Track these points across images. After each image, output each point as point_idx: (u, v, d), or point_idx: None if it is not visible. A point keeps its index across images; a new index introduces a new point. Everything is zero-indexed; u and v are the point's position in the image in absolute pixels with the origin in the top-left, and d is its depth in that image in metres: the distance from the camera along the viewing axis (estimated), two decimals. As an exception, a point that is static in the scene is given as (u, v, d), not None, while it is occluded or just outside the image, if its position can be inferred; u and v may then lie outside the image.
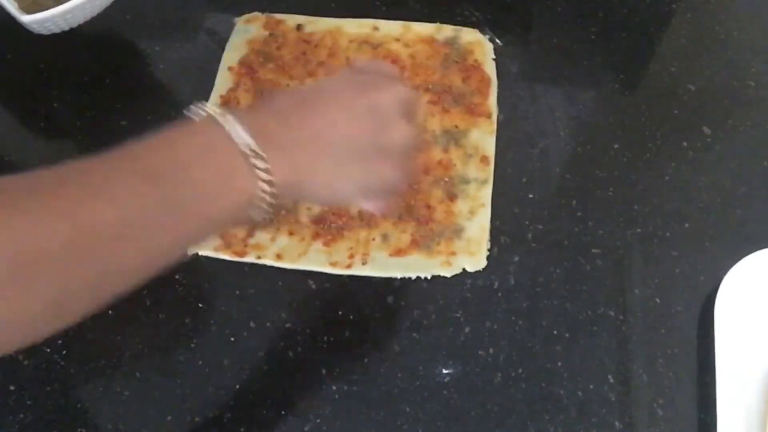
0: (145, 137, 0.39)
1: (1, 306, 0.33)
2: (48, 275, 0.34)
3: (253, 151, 0.39)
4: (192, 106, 0.41)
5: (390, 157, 0.45)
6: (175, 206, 0.38)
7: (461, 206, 0.62)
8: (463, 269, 0.59)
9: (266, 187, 0.40)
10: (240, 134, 0.39)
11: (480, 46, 0.70)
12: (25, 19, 0.64)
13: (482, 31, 0.71)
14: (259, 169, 0.39)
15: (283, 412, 0.54)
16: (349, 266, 0.59)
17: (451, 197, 0.62)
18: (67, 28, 0.68)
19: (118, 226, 0.35)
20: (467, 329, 0.57)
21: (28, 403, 0.54)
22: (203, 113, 0.41)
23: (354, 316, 0.58)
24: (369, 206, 0.49)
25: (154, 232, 0.37)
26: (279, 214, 0.61)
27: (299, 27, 0.71)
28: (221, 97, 0.67)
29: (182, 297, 0.58)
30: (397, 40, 0.71)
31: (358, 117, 0.44)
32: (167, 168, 0.38)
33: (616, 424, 0.54)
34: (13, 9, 0.65)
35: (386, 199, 0.49)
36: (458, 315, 0.58)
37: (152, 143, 0.38)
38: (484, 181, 0.63)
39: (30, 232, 0.33)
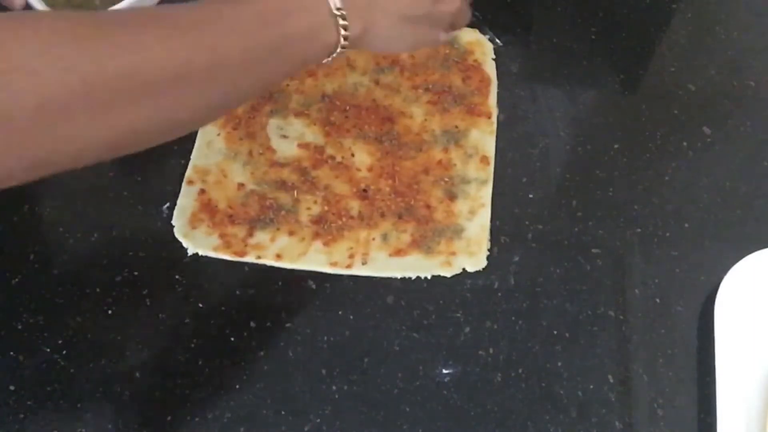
0: None
1: (156, 111, 0.41)
2: (191, 88, 0.42)
3: (339, 9, 0.47)
4: None
5: (437, 23, 0.55)
6: (280, 48, 0.46)
7: (461, 206, 0.62)
8: (463, 269, 0.59)
9: (343, 41, 0.49)
10: None
11: (480, 46, 0.70)
12: None
13: (482, 31, 0.71)
14: (340, 26, 0.48)
15: (283, 412, 0.54)
16: (349, 266, 0.59)
17: (451, 197, 0.62)
18: None
19: (241, 59, 0.43)
20: (467, 329, 0.57)
21: (28, 403, 0.54)
22: None
23: (354, 316, 0.58)
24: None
25: (264, 66, 0.45)
26: (279, 214, 0.61)
27: (299, 27, 0.71)
28: (221, 97, 0.67)
29: (182, 297, 0.58)
30: (397, 40, 0.71)
31: None
32: (275, 15, 0.45)
33: (616, 424, 0.54)
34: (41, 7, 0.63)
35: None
36: (458, 315, 0.58)
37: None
38: (484, 181, 0.63)
39: (175, 51, 0.40)
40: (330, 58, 0.50)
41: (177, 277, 0.59)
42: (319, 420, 0.54)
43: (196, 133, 0.65)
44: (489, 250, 0.60)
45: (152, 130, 0.42)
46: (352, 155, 0.64)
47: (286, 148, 0.65)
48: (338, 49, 0.49)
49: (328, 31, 0.48)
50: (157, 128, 0.42)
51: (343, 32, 0.48)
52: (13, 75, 0.35)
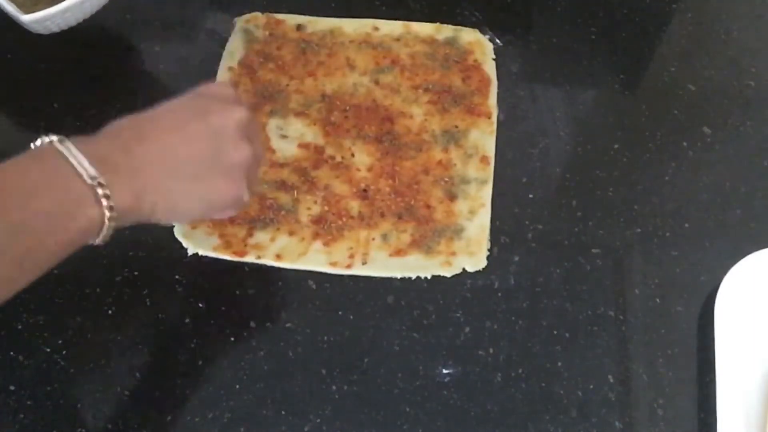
0: None
1: None
2: None
3: (94, 179, 0.41)
4: (39, 139, 0.43)
5: (230, 175, 0.47)
6: (21, 235, 0.39)
7: (461, 206, 0.62)
8: (463, 269, 0.59)
9: (109, 213, 0.42)
10: (81, 163, 0.41)
11: (480, 46, 0.70)
12: (25, 18, 0.64)
13: (482, 31, 0.71)
14: (102, 197, 0.41)
15: (283, 412, 0.54)
16: (349, 266, 0.59)
17: (451, 197, 0.62)
18: (66, 27, 0.68)
19: None
20: (467, 329, 0.57)
21: (28, 403, 0.54)
22: (45, 141, 0.42)
23: (354, 316, 0.58)
24: (217, 217, 0.51)
25: (3, 259, 0.38)
26: (279, 214, 0.61)
27: (299, 27, 0.71)
28: (221, 97, 0.67)
29: (182, 297, 0.58)
30: (397, 40, 0.71)
31: (195, 139, 0.46)
32: (12, 198, 0.39)
33: (616, 424, 0.54)
34: (11, 9, 0.65)
35: (233, 212, 0.52)
36: (458, 315, 0.58)
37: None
38: (484, 181, 0.63)
39: None
40: (102, 236, 0.43)
41: (177, 277, 0.59)
42: (319, 420, 0.54)
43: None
44: (489, 250, 0.60)
45: None
46: (352, 155, 0.64)
47: (286, 148, 0.65)
48: (107, 223, 0.42)
49: (87, 206, 0.41)
50: None
51: (105, 203, 0.41)
52: None
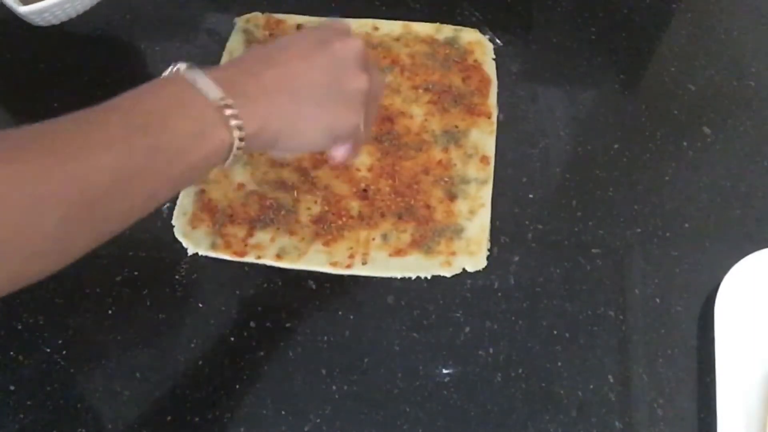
0: (125, 93, 0.42)
1: (11, 238, 0.35)
2: (51, 216, 0.36)
3: (224, 101, 0.42)
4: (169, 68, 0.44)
5: (350, 103, 0.48)
6: (161, 153, 0.40)
7: (461, 206, 0.62)
8: (463, 269, 0.59)
9: (239, 133, 0.43)
10: (209, 86, 0.42)
11: (480, 46, 0.70)
12: (23, 10, 0.62)
13: (482, 31, 0.71)
14: (230, 118, 0.42)
15: (283, 412, 0.54)
16: (349, 266, 0.59)
17: (451, 197, 0.62)
18: (66, 19, 0.66)
19: (113, 171, 0.38)
20: (467, 329, 0.57)
21: (28, 403, 0.54)
22: (174, 69, 0.44)
23: (354, 316, 0.58)
24: (336, 154, 0.52)
25: (143, 176, 0.40)
26: (279, 214, 0.61)
27: (299, 27, 0.71)
28: (221, 97, 0.67)
29: (182, 297, 0.58)
30: (397, 40, 0.71)
31: (318, 67, 0.47)
32: (150, 119, 0.40)
33: (616, 424, 0.54)
34: (10, 0, 0.64)
35: (351, 145, 0.52)
36: (458, 315, 0.58)
37: (134, 97, 0.41)
38: (484, 181, 0.63)
39: (37, 177, 0.36)
40: (229, 160, 0.44)
41: (177, 277, 0.59)
42: (319, 420, 0.54)
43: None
44: (489, 250, 0.60)
45: (52, 248, 0.38)
46: (352, 155, 0.64)
47: (286, 148, 0.64)
48: (236, 143, 0.43)
49: (217, 128, 0.42)
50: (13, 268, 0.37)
51: (234, 123, 0.42)
52: None
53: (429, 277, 0.59)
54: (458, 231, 0.61)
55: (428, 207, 0.62)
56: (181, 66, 0.44)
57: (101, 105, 0.40)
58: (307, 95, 0.46)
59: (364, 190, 0.62)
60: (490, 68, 0.69)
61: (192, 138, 0.41)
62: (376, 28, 0.71)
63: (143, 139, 0.39)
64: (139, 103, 0.41)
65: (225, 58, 0.69)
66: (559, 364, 0.56)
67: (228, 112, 0.42)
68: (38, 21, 0.65)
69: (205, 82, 0.42)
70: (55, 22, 0.66)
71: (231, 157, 0.43)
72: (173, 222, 0.61)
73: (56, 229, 0.37)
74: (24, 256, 0.37)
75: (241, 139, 0.43)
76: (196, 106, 0.42)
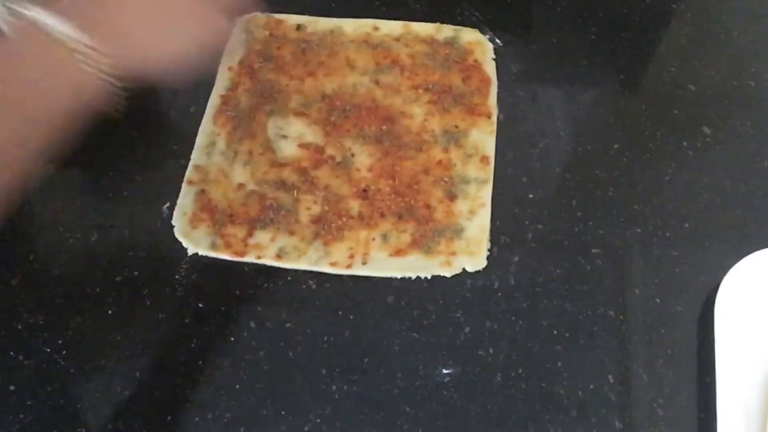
0: None
1: None
2: None
3: (81, 43, 0.41)
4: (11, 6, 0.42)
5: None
6: (11, 102, 0.40)
7: (461, 206, 0.62)
8: (463, 269, 0.59)
9: (105, 69, 0.42)
10: (65, 30, 0.41)
11: (480, 46, 0.70)
12: None
13: (482, 31, 0.71)
14: (89, 58, 0.41)
15: (283, 412, 0.54)
16: (349, 266, 0.59)
17: (451, 197, 0.62)
18: None
19: None
20: (467, 329, 0.57)
21: (28, 403, 0.54)
22: (23, 14, 0.42)
23: (354, 316, 0.58)
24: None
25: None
26: (279, 214, 0.61)
27: (299, 27, 0.71)
28: (221, 96, 0.67)
29: (182, 297, 0.58)
30: (397, 40, 0.71)
31: None
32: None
33: (616, 424, 0.54)
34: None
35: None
36: (458, 315, 0.58)
37: None
38: (484, 181, 0.63)
39: None
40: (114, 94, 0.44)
41: (177, 277, 0.59)
42: (319, 420, 0.54)
43: (196, 133, 0.65)
44: (489, 250, 0.60)
45: None
46: (352, 155, 0.64)
47: (286, 148, 0.65)
48: (107, 78, 0.43)
49: (72, 70, 0.41)
50: None
51: (94, 62, 0.42)
52: None
53: (429, 277, 0.59)
54: (458, 231, 0.61)
55: (428, 207, 0.62)
56: (31, 10, 0.42)
57: None
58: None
59: (364, 190, 0.62)
60: (490, 68, 0.69)
61: (46, 84, 0.41)
62: (376, 28, 0.71)
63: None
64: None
65: (225, 58, 0.69)
66: (559, 364, 0.56)
67: (88, 52, 0.41)
68: None
69: (64, 27, 0.41)
70: None
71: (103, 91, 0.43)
72: (173, 222, 0.61)
73: None
74: None
75: (106, 74, 0.42)
76: (49, 53, 0.41)
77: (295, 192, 0.62)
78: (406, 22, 0.72)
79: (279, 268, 0.59)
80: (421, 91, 0.68)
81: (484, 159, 0.64)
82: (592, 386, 0.55)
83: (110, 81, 0.43)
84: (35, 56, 0.41)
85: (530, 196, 0.64)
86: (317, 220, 0.61)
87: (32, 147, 0.42)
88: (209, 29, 0.49)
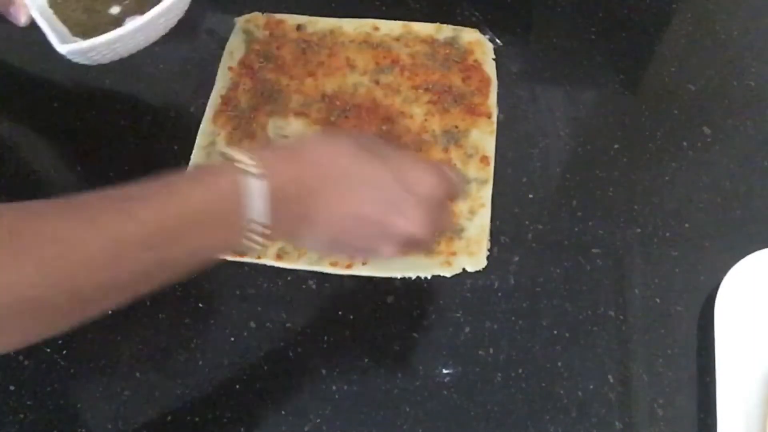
0: (168, 175, 0.41)
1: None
2: (85, 276, 0.37)
3: (261, 225, 0.41)
4: (226, 151, 0.43)
5: (388, 241, 0.47)
6: (175, 263, 0.42)
7: (461, 206, 0.62)
8: (463, 269, 0.59)
9: (258, 240, 0.42)
10: (257, 209, 0.41)
11: (480, 46, 0.70)
12: (63, 50, 0.55)
13: (482, 31, 0.71)
14: (255, 232, 0.42)
15: (283, 412, 0.54)
16: (349, 266, 0.59)
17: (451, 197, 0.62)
18: (116, 59, 0.59)
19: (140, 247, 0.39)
20: (467, 329, 0.57)
21: (28, 403, 0.54)
22: (233, 161, 0.42)
23: (354, 316, 0.58)
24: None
25: (162, 268, 0.41)
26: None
27: (299, 27, 0.71)
28: (221, 97, 0.67)
29: (182, 297, 0.58)
30: (397, 40, 0.71)
31: (364, 210, 0.45)
32: (177, 227, 0.40)
33: (616, 424, 0.54)
34: (53, 38, 0.56)
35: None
36: (458, 315, 0.58)
37: (173, 189, 0.41)
38: (484, 181, 0.63)
39: (81, 241, 0.37)
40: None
41: (177, 277, 0.59)
42: (319, 420, 0.54)
43: (196, 133, 0.65)
44: (489, 250, 0.60)
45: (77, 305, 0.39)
46: (352, 155, 0.64)
47: (286, 148, 0.64)
48: (255, 247, 0.43)
49: (237, 236, 0.42)
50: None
51: (257, 239, 0.42)
52: None
53: (429, 277, 0.59)
54: (458, 231, 0.61)
55: (428, 207, 0.62)
56: (245, 162, 0.41)
57: (140, 185, 0.40)
58: (341, 231, 0.46)
59: (364, 190, 0.62)
60: (490, 68, 0.69)
61: (211, 246, 0.43)
62: (376, 28, 0.71)
63: (162, 252, 0.40)
64: (174, 200, 0.40)
65: (225, 58, 0.69)
66: (559, 364, 0.56)
67: (258, 231, 0.42)
68: (82, 60, 0.58)
69: (257, 203, 0.41)
70: (104, 62, 0.59)
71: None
72: (173, 222, 0.61)
73: (81, 287, 0.38)
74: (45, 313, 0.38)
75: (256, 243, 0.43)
76: (232, 228, 0.41)
77: (295, 192, 0.62)
78: (406, 22, 0.72)
79: (279, 268, 0.59)
80: (421, 91, 0.68)
81: (484, 159, 0.64)
82: (592, 386, 0.55)
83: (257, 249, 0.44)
84: (219, 220, 0.41)
85: (530, 196, 0.64)
86: (317, 220, 0.61)
87: (153, 286, 0.43)
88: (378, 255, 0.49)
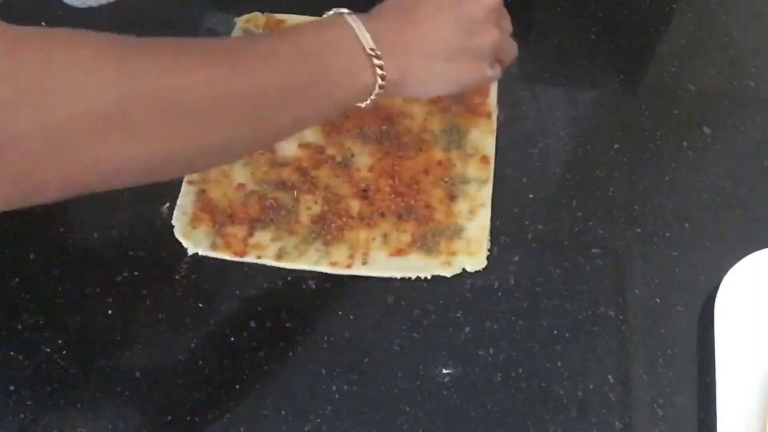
0: (291, 28, 0.50)
1: (190, 137, 0.41)
2: (228, 117, 0.43)
3: (374, 51, 0.47)
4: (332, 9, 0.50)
5: (475, 58, 0.53)
6: (317, 84, 0.46)
7: (461, 206, 0.62)
8: (463, 269, 0.59)
9: (381, 82, 0.48)
10: (365, 35, 0.48)
11: (480, 46, 0.70)
12: None
13: (482, 31, 0.71)
14: (377, 67, 0.48)
15: (283, 412, 0.54)
16: (349, 266, 0.59)
17: (451, 197, 0.62)
18: (105, 2, 0.65)
19: (278, 89, 0.45)
20: (467, 329, 0.57)
21: (28, 403, 0.54)
22: (336, 12, 0.50)
23: (354, 316, 0.58)
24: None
25: (299, 101, 0.46)
26: (279, 214, 0.61)
27: (299, 27, 0.71)
28: (221, 97, 0.67)
29: (182, 297, 0.58)
30: (397, 40, 0.70)
31: (451, 24, 0.52)
32: (313, 51, 0.47)
33: (616, 424, 0.54)
34: None
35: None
36: (458, 315, 0.58)
37: (299, 32, 0.48)
38: (484, 181, 0.63)
39: (215, 77, 0.41)
40: (368, 102, 0.50)
41: (177, 277, 0.59)
42: (319, 420, 0.54)
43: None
44: (489, 250, 0.60)
45: (183, 157, 0.42)
46: (352, 155, 0.64)
47: (286, 148, 0.65)
48: (375, 91, 0.49)
49: (364, 72, 0.48)
50: (188, 156, 0.42)
51: (379, 72, 0.48)
52: (53, 85, 0.35)
53: (429, 277, 0.59)
54: (458, 231, 0.61)
55: (428, 207, 0.62)
56: (344, 11, 0.49)
57: (270, 34, 0.52)
58: (437, 52, 0.51)
59: (364, 190, 0.62)
60: (490, 68, 0.69)
61: (343, 76, 0.47)
62: (376, 28, 0.71)
63: (306, 67, 0.46)
64: (303, 38, 0.47)
65: (225, 58, 0.69)
66: (559, 364, 0.56)
67: (376, 61, 0.48)
68: (75, 2, 0.64)
69: (361, 31, 0.47)
70: (94, 4, 0.65)
71: (369, 100, 0.49)
72: (173, 222, 0.61)
73: (226, 131, 0.43)
74: (200, 150, 0.42)
75: (380, 87, 0.48)
76: (351, 49, 0.47)
77: (295, 192, 0.62)
78: (406, 22, 0.71)
79: (279, 268, 0.59)
80: (421, 91, 0.67)
81: (484, 159, 0.64)
82: (592, 386, 0.55)
83: (379, 94, 0.49)
84: (344, 48, 0.47)
85: (530, 196, 0.64)
86: (317, 220, 0.61)
87: (308, 122, 0.51)
88: (473, 80, 0.55)
